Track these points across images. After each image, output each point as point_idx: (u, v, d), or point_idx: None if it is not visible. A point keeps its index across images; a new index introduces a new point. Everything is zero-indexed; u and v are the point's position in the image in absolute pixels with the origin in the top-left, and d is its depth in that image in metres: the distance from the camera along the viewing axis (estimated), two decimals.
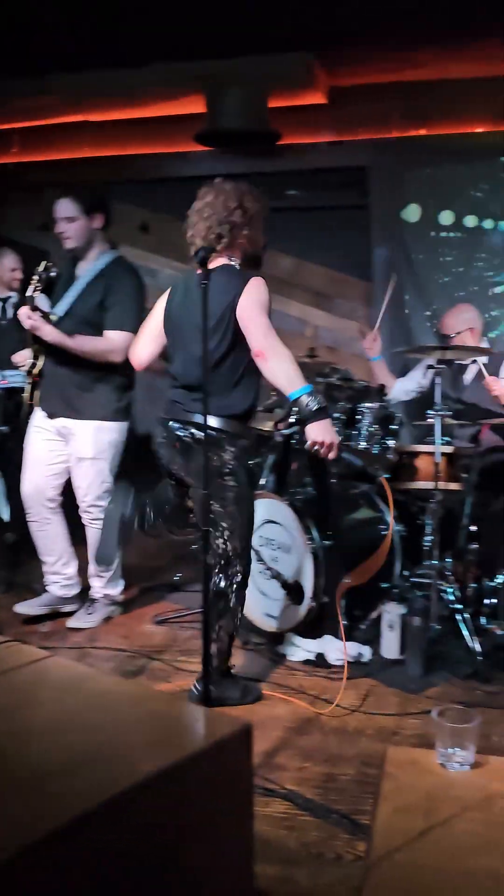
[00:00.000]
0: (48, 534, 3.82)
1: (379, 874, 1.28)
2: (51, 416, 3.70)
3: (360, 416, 3.77)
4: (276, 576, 3.62)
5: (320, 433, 2.80)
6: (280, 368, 2.75)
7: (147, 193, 5.74)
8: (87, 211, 3.61)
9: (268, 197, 3.04)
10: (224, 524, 2.87)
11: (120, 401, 3.74)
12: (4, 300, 4.93)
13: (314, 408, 2.76)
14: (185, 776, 1.46)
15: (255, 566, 3.77)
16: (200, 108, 4.93)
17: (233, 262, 2.95)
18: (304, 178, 5.49)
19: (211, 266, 2.72)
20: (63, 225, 3.62)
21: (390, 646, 3.45)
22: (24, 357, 3.84)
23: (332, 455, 2.84)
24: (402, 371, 4.66)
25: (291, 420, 4.04)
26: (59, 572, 3.86)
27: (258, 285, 2.85)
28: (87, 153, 5.71)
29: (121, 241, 5.45)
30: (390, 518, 3.86)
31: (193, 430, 2.86)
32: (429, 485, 3.68)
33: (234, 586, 2.91)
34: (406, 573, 3.80)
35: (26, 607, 3.83)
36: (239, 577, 2.92)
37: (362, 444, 3.72)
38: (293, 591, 3.58)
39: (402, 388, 4.56)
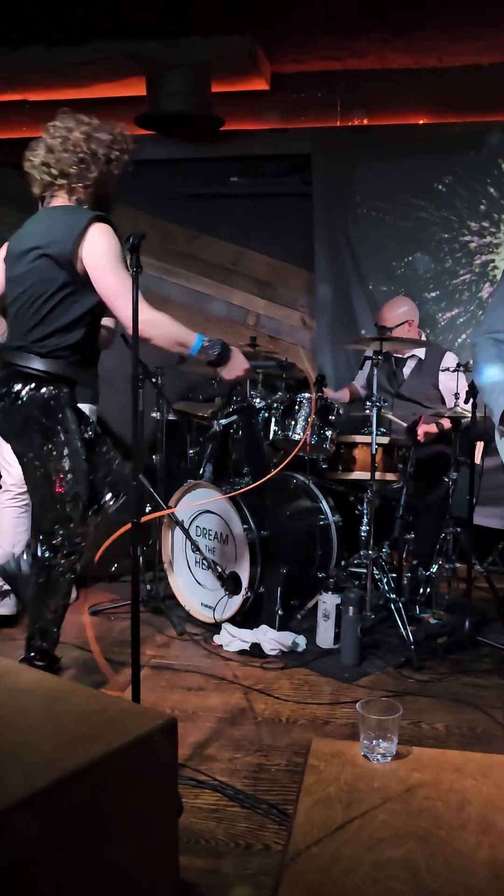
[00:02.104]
0: (26, 521, 3.69)
1: (295, 869, 1.27)
2: None
3: (298, 407, 3.77)
4: (213, 566, 3.60)
5: (234, 370, 2.70)
6: (161, 336, 2.57)
7: None
8: None
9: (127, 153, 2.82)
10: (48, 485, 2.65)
11: None
12: None
13: (215, 354, 2.64)
14: (107, 771, 1.44)
15: (191, 556, 3.75)
16: (141, 91, 4.85)
17: (73, 201, 2.74)
18: (246, 164, 5.45)
19: (52, 204, 2.69)
20: None
21: (326, 635, 3.46)
22: None
23: (239, 374, 2.74)
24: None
25: (230, 409, 4.02)
26: None
27: (106, 233, 2.60)
28: (25, 133, 5.56)
29: None
30: (327, 507, 3.89)
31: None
32: (365, 475, 3.71)
33: (61, 556, 2.68)
34: (342, 563, 3.82)
35: None
36: (66, 546, 2.69)
37: (299, 435, 3.72)
38: (229, 581, 3.57)
39: (360, 388, 4.60)
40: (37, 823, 1.31)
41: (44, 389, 2.63)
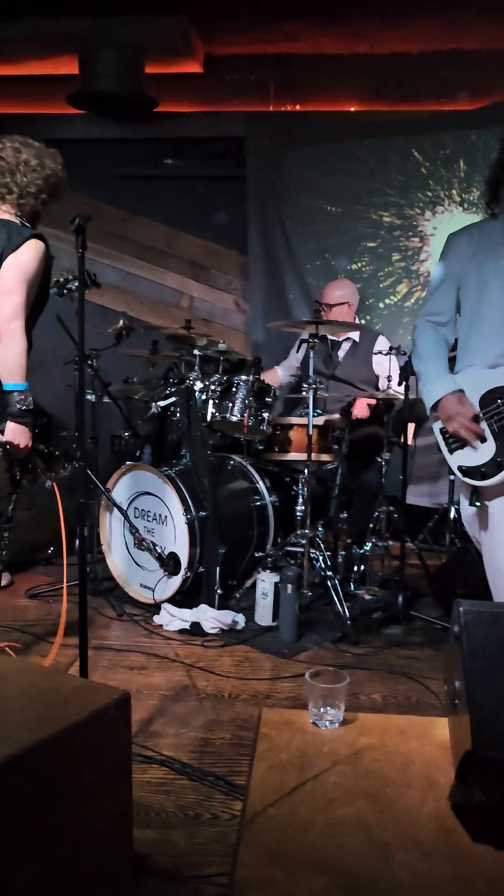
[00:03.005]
0: None
1: (254, 829, 1.33)
2: None
3: (235, 389, 3.82)
4: (151, 547, 3.63)
5: (16, 435, 2.74)
6: (8, 356, 2.69)
7: None
8: None
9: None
10: None
11: None
12: None
13: (20, 409, 2.72)
14: (61, 747, 1.47)
15: (129, 538, 3.77)
16: (74, 69, 4.79)
17: (13, 218, 2.86)
18: (180, 146, 5.44)
19: None
20: None
21: (264, 613, 3.54)
22: None
23: (18, 455, 2.78)
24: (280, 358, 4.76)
25: (167, 392, 4.04)
26: None
27: (30, 249, 2.77)
28: None
29: None
30: (263, 488, 3.95)
31: None
32: (301, 456, 3.78)
33: None
34: (279, 542, 3.89)
35: None
36: None
37: (237, 416, 3.77)
38: (168, 562, 3.61)
39: (286, 373, 4.66)
40: None
41: None
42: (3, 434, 2.73)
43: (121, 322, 4.29)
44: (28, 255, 2.76)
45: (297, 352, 4.52)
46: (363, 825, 1.36)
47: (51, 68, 4.95)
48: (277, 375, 4.65)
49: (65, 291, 3.29)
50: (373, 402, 4.13)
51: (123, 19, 4.47)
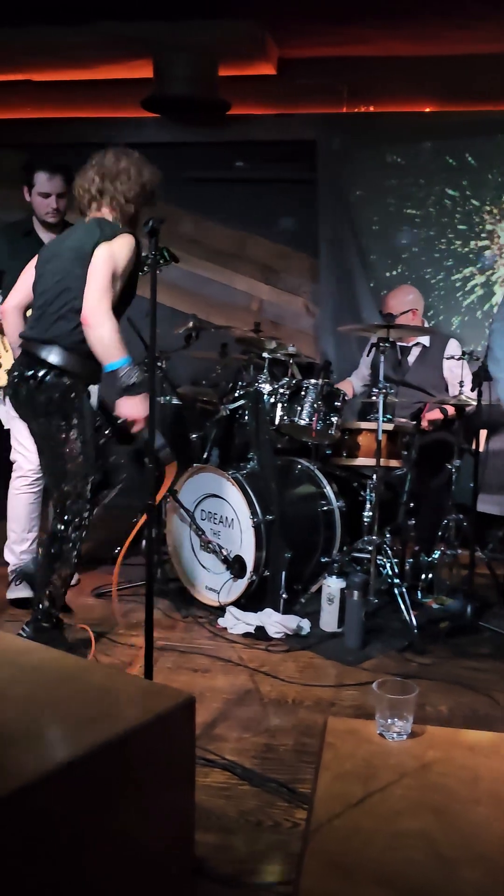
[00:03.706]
0: (38, 507, 3.73)
1: (319, 839, 1.31)
2: None
3: (304, 392, 3.79)
4: (217, 549, 3.63)
5: (131, 408, 2.79)
6: (100, 337, 2.75)
7: (90, 158, 5.60)
8: (69, 187, 3.56)
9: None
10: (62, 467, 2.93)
11: None
12: None
13: (129, 382, 2.76)
14: (126, 748, 1.47)
15: (195, 540, 3.78)
16: (147, 73, 4.83)
17: (110, 218, 2.98)
18: (251, 149, 5.44)
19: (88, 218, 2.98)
20: (56, 201, 3.60)
21: (329, 619, 3.50)
22: None
23: (136, 429, 2.83)
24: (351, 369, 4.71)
25: (236, 394, 4.04)
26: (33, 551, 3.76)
27: (122, 241, 2.87)
28: (28, 114, 5.56)
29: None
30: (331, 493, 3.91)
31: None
32: (370, 461, 3.73)
33: (72, 529, 2.94)
34: (346, 548, 3.85)
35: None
36: (76, 520, 2.94)
37: (305, 420, 3.75)
38: (234, 564, 3.60)
39: (360, 381, 4.60)
40: (58, 798, 1.34)
41: (64, 378, 2.88)
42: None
43: (190, 324, 4.31)
44: (119, 246, 2.86)
45: (367, 356, 4.47)
46: (429, 840, 1.32)
47: (125, 73, 5.00)
48: (352, 386, 4.59)
49: (144, 269, 3.26)
50: (450, 410, 4.04)
51: (198, 23, 4.49)
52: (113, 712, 1.55)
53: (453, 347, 4.26)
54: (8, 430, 3.81)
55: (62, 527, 2.95)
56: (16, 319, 3.14)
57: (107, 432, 3.03)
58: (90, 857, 1.40)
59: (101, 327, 2.75)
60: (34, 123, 5.58)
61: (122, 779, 1.46)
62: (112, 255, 2.83)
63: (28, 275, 3.12)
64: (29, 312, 3.11)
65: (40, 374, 2.87)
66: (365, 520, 3.74)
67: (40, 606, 3.01)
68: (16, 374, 2.95)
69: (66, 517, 2.95)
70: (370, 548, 3.61)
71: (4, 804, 1.21)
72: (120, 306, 2.91)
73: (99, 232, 2.87)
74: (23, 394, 2.92)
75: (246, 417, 3.98)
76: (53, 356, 2.86)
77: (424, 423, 3.97)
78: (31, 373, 2.88)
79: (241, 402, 3.98)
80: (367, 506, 3.73)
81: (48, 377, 2.87)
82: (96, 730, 1.47)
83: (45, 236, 3.68)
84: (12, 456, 3.72)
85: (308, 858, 1.25)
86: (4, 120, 5.59)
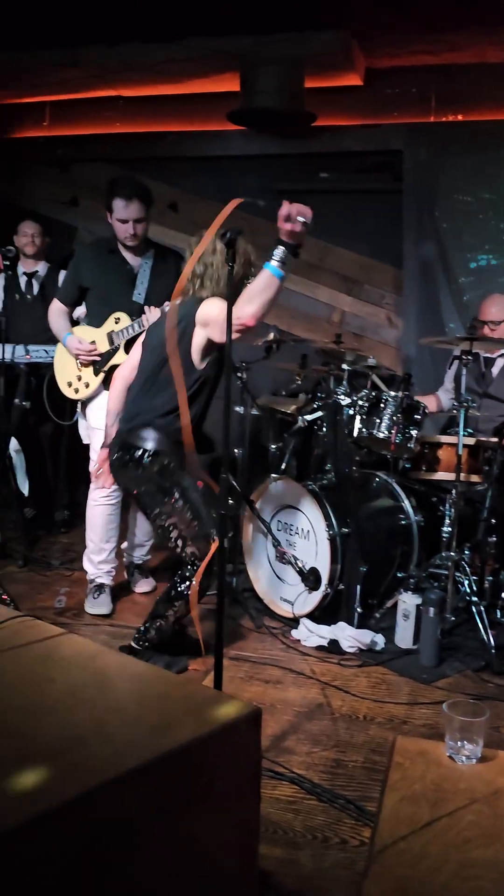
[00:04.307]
0: (116, 518, 3.82)
1: (383, 862, 1.28)
2: None
3: (383, 405, 3.74)
4: (293, 561, 3.62)
5: (288, 223, 2.90)
6: (263, 301, 2.89)
7: (178, 171, 5.70)
8: (148, 209, 3.63)
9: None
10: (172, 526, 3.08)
11: None
12: (31, 275, 4.93)
13: (282, 260, 2.92)
14: (190, 757, 1.46)
15: (271, 550, 3.78)
16: (235, 87, 4.88)
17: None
18: (337, 160, 5.43)
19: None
20: (133, 226, 3.63)
21: (404, 635, 3.44)
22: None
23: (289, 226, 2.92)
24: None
25: (315, 406, 4.03)
26: (112, 561, 3.85)
27: (218, 303, 2.99)
28: (118, 129, 5.68)
29: (150, 219, 5.45)
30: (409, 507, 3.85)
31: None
32: (450, 476, 3.66)
33: (187, 583, 3.04)
34: (423, 563, 3.78)
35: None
36: (189, 573, 3.05)
37: (384, 433, 3.70)
38: (309, 576, 3.58)
39: (445, 398, 4.52)
40: (124, 803, 1.35)
41: (160, 456, 3.03)
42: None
43: (271, 335, 4.32)
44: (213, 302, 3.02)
45: (450, 368, 4.39)
46: (500, 870, 1.27)
47: (212, 86, 5.07)
48: (438, 401, 4.51)
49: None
50: None
51: (285, 36, 4.52)
52: (178, 721, 1.55)
53: None
54: (88, 444, 3.91)
55: (188, 573, 3.05)
56: (119, 395, 3.32)
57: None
58: (153, 864, 1.40)
59: (251, 301, 2.86)
60: (124, 138, 5.70)
61: (185, 788, 1.46)
62: (214, 308, 2.98)
63: (135, 353, 3.31)
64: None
65: (137, 454, 3.03)
66: (444, 535, 3.66)
67: (146, 632, 3.13)
68: (115, 457, 3.12)
69: (194, 566, 3.04)
70: (448, 564, 3.53)
71: (71, 806, 1.23)
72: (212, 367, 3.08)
73: (195, 307, 3.00)
74: (124, 479, 3.16)
75: (324, 429, 3.96)
76: (149, 443, 3.03)
77: None
78: (129, 453, 3.05)
79: (320, 413, 3.96)
80: (446, 521, 3.66)
81: (146, 457, 3.02)
82: (160, 738, 1.48)
83: (128, 255, 3.74)
84: (91, 467, 3.79)
85: (370, 881, 1.23)
86: (96, 135, 5.73)
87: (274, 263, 2.86)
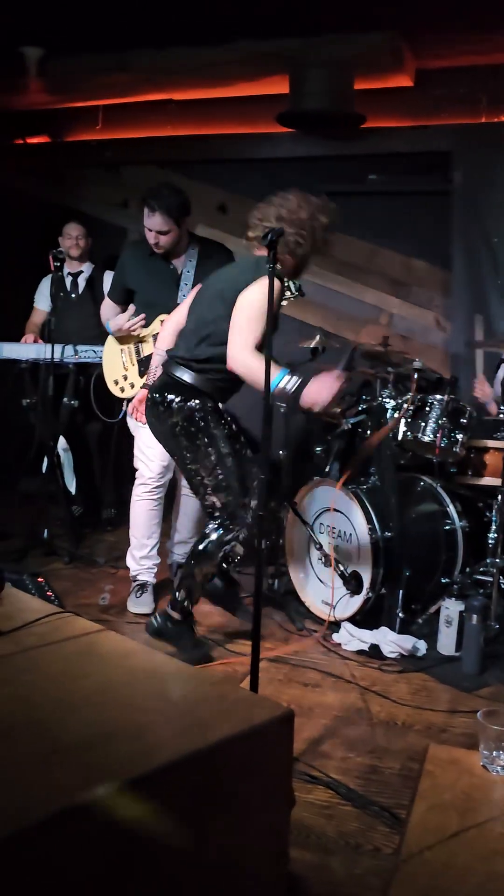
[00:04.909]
0: (159, 515, 3.85)
1: (408, 870, 1.26)
2: None
3: (429, 408, 3.71)
4: (335, 564, 3.60)
5: (315, 395, 2.85)
6: (247, 375, 2.87)
7: (227, 173, 5.71)
8: (177, 222, 3.63)
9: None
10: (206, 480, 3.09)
11: None
12: (76, 275, 5.00)
13: (292, 390, 2.84)
14: (220, 757, 1.47)
15: (314, 553, 3.76)
16: (283, 89, 4.88)
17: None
18: (385, 161, 5.38)
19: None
20: (156, 237, 3.65)
21: (447, 642, 3.39)
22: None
23: (325, 407, 2.90)
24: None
25: (360, 409, 4.00)
26: (154, 557, 3.88)
27: (260, 290, 2.80)
28: (169, 132, 5.72)
29: (199, 220, 5.47)
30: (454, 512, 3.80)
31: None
32: (496, 481, 3.61)
33: (219, 534, 3.07)
34: (468, 570, 3.73)
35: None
36: (224, 526, 3.07)
37: (429, 437, 3.66)
38: (351, 580, 3.56)
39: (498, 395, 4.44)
40: (153, 800, 1.36)
41: (191, 402, 3.04)
42: None
43: (317, 337, 4.31)
44: (261, 288, 2.85)
45: (497, 372, 4.32)
46: None
47: (260, 89, 5.07)
48: (496, 407, 4.41)
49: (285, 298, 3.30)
50: None
51: (333, 37, 4.50)
52: (209, 721, 1.56)
53: None
54: (133, 438, 3.94)
55: (209, 528, 3.11)
56: (169, 337, 3.34)
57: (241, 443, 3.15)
58: (179, 864, 1.41)
59: (245, 369, 2.86)
60: (173, 141, 5.74)
61: (213, 788, 1.46)
62: (251, 303, 2.89)
63: (189, 298, 3.31)
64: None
65: (169, 398, 3.06)
66: (489, 541, 3.60)
67: (177, 595, 3.18)
68: (150, 397, 3.17)
69: (215, 523, 3.10)
70: (493, 570, 3.48)
71: (94, 804, 1.24)
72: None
73: (251, 274, 2.93)
74: (153, 419, 3.17)
75: (369, 432, 3.93)
76: (185, 376, 3.06)
77: None
78: (160, 397, 3.09)
79: (364, 416, 3.93)
80: (493, 527, 3.60)
81: (175, 402, 3.05)
82: (190, 737, 1.49)
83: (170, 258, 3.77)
84: (135, 464, 3.83)
85: (395, 889, 1.21)
86: (146, 138, 5.79)
87: (283, 384, 2.85)
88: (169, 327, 3.37)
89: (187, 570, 3.16)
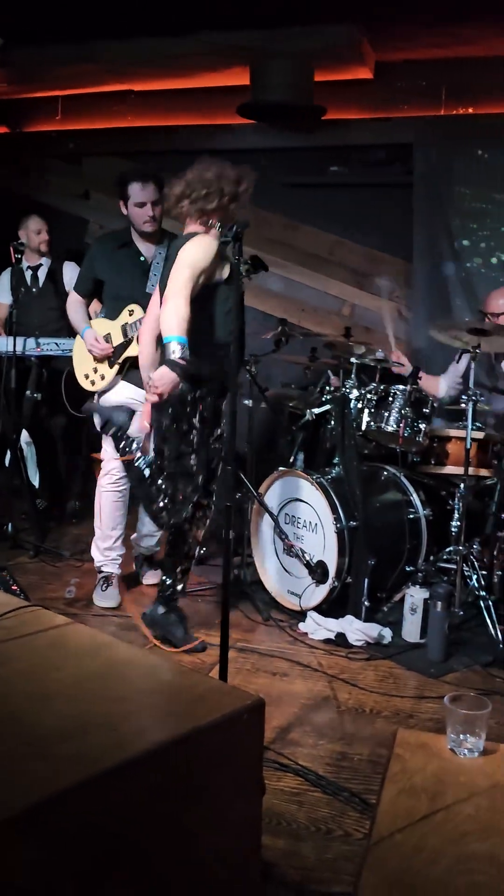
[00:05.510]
0: (124, 506, 3.84)
1: (379, 854, 1.29)
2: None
3: (391, 398, 3.75)
4: (300, 554, 3.63)
5: (161, 378, 2.88)
6: (166, 310, 2.90)
7: (188, 165, 5.68)
8: (162, 193, 3.64)
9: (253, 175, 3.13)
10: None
11: None
12: (35, 268, 4.95)
13: (169, 356, 2.86)
14: (192, 747, 1.48)
15: (279, 543, 3.79)
16: (245, 81, 4.88)
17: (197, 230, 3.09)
18: (347, 154, 5.42)
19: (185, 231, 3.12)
20: (151, 208, 3.64)
21: (412, 629, 3.44)
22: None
23: (152, 398, 2.95)
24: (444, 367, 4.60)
25: (323, 399, 4.03)
26: (118, 548, 3.87)
27: (196, 242, 2.98)
28: (129, 123, 5.69)
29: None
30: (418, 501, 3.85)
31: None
32: (458, 470, 3.66)
33: (185, 523, 3.15)
34: (431, 557, 3.78)
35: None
36: (188, 514, 3.13)
37: (392, 427, 3.70)
38: (317, 569, 3.59)
39: (448, 385, 4.50)
40: (126, 791, 1.37)
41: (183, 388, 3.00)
42: None
43: (279, 328, 4.32)
44: (193, 247, 2.98)
45: (458, 363, 4.37)
46: (497, 864, 1.28)
47: (222, 80, 5.06)
48: (438, 385, 4.49)
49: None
50: None
51: (295, 30, 4.51)
52: (181, 711, 1.57)
53: None
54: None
55: (175, 519, 3.16)
56: (148, 346, 3.34)
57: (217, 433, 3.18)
58: (154, 852, 1.42)
59: (169, 302, 2.89)
60: (135, 132, 5.71)
61: (187, 777, 1.48)
62: (184, 255, 2.96)
63: (154, 303, 3.29)
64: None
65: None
66: (452, 529, 3.66)
67: (167, 584, 3.29)
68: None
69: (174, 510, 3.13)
70: (457, 558, 3.53)
71: (67, 797, 1.25)
72: (209, 305, 3.06)
73: (183, 242, 3.01)
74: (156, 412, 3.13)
75: (332, 422, 3.96)
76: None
77: None
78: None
79: (328, 406, 3.96)
80: (455, 515, 3.66)
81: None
82: (163, 727, 1.50)
83: (143, 247, 3.75)
84: (101, 455, 3.82)
85: (367, 872, 1.24)
86: (107, 129, 5.74)
87: (175, 346, 2.87)
88: (146, 338, 3.35)
89: (170, 563, 3.26)
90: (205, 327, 3.06)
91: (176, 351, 2.85)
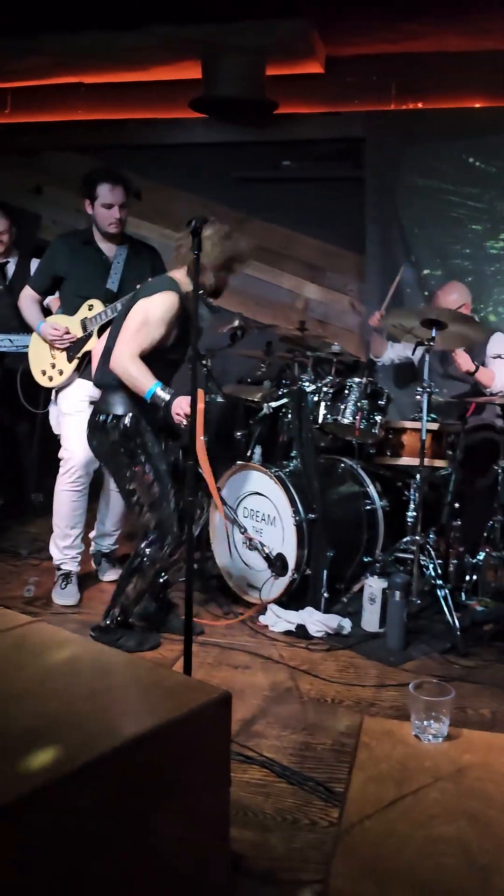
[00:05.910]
0: (83, 504, 3.82)
1: (349, 841, 1.31)
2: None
3: (347, 391, 3.78)
4: (259, 547, 3.65)
5: (179, 406, 2.96)
6: (126, 379, 3.03)
7: (140, 160, 5.66)
8: (129, 195, 3.65)
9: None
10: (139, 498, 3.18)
11: None
12: (2, 265, 4.86)
13: (163, 402, 2.98)
14: (161, 742, 1.48)
15: (238, 537, 3.80)
16: (196, 74, 4.86)
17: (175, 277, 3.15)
18: (298, 148, 5.43)
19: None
20: (119, 211, 3.62)
21: (371, 619, 3.49)
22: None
23: (177, 420, 3.00)
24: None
25: (280, 393, 4.05)
26: (77, 546, 3.84)
27: (159, 300, 3.05)
28: (81, 116, 5.63)
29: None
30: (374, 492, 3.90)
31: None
32: (414, 461, 3.71)
33: (153, 550, 3.16)
34: (389, 548, 3.83)
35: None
36: (158, 543, 3.16)
37: (348, 419, 3.74)
38: (276, 562, 3.61)
39: (394, 354, 4.58)
40: (94, 789, 1.36)
41: (126, 419, 3.12)
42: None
43: (235, 323, 4.33)
44: (155, 303, 3.05)
45: (413, 354, 4.43)
46: (463, 846, 1.31)
47: (174, 74, 5.04)
48: (384, 347, 4.56)
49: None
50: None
51: (246, 24, 4.50)
52: (147, 706, 1.57)
53: (496, 344, 4.18)
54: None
55: (143, 545, 3.17)
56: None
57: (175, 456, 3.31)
58: (125, 848, 1.42)
59: (124, 372, 3.02)
60: (87, 126, 5.65)
61: (156, 772, 1.48)
62: (145, 309, 3.04)
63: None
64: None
65: (101, 419, 3.15)
66: (409, 520, 3.71)
67: (113, 612, 3.23)
68: (91, 419, 3.24)
69: (148, 538, 3.17)
70: (413, 548, 3.58)
71: (35, 798, 1.24)
72: (173, 351, 3.17)
73: (149, 290, 3.10)
74: (93, 443, 3.24)
75: (289, 416, 3.99)
76: (117, 406, 3.14)
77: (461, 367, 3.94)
78: (96, 418, 3.19)
79: (285, 400, 3.98)
80: (411, 505, 3.71)
81: (108, 421, 3.13)
82: (131, 723, 1.50)
83: (105, 246, 3.73)
84: (61, 453, 3.78)
85: (338, 859, 1.26)
86: (59, 122, 5.67)
87: (160, 392, 3.00)
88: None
89: (121, 586, 3.22)
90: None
91: (163, 395, 2.97)
